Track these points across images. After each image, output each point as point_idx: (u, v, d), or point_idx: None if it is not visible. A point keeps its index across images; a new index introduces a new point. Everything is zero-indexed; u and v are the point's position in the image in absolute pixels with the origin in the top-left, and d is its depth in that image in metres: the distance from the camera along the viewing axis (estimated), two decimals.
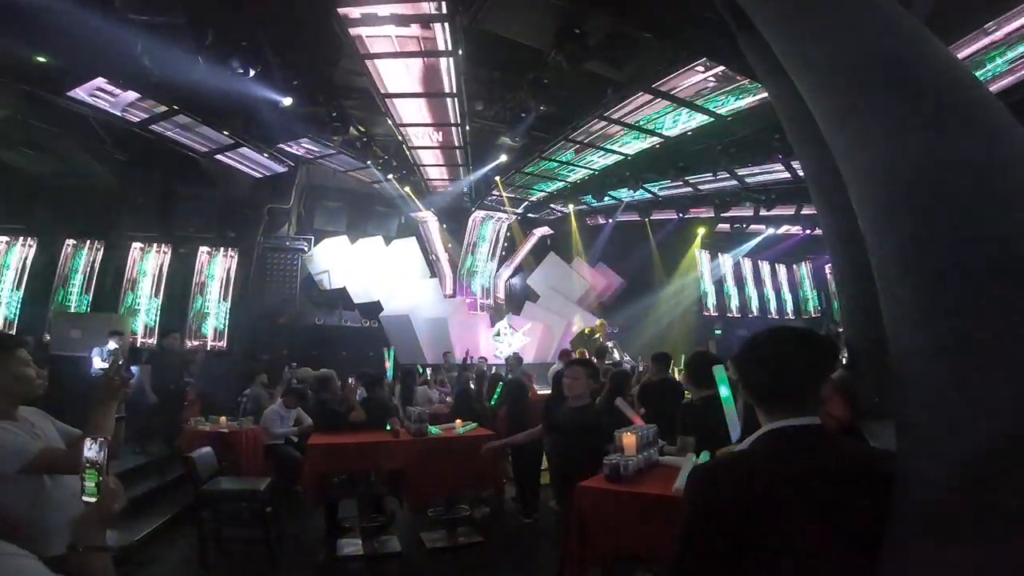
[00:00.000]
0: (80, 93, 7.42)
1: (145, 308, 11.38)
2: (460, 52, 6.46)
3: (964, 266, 1.11)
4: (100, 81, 7.16)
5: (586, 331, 12.15)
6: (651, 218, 14.76)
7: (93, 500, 1.48)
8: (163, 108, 7.98)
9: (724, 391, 2.97)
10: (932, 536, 1.07)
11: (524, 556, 4.79)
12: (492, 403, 6.87)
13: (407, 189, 12.06)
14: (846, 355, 2.80)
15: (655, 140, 8.86)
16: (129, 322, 10.83)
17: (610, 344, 12.06)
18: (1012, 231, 1.09)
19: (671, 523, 2.63)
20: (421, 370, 8.92)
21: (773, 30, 1.72)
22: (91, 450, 1.51)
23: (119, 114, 8.11)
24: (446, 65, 6.85)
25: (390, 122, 8.60)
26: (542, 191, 12.45)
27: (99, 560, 1.37)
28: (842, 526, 1.14)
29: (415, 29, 6.19)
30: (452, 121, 8.45)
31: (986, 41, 5.98)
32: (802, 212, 13.03)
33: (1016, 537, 0.98)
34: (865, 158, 1.35)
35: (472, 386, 7.15)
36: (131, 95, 7.58)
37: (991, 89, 5.39)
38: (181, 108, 8.01)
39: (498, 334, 11.85)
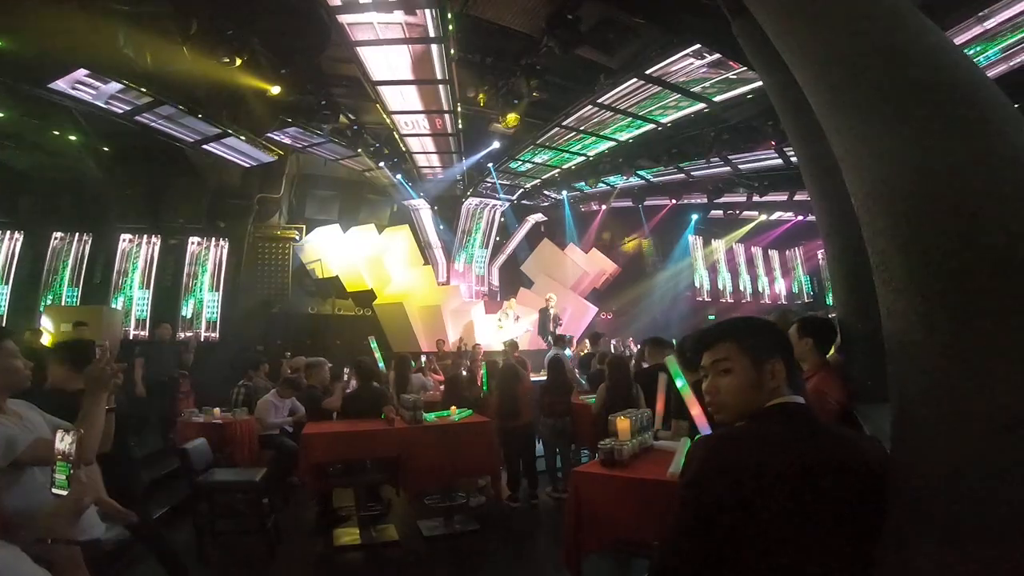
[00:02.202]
0: (61, 85, 7.27)
1: (136, 300, 11.28)
2: (450, 38, 6.39)
3: (957, 246, 1.11)
4: (82, 72, 7.02)
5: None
6: (644, 204, 14.76)
7: (63, 493, 1.47)
8: (148, 99, 7.84)
9: (680, 382, 3.01)
10: (932, 531, 1.08)
11: (521, 543, 4.83)
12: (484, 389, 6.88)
13: (399, 177, 11.98)
14: (840, 339, 2.82)
15: (648, 126, 8.83)
16: (120, 315, 10.74)
17: (613, 342, 12.04)
18: (1006, 214, 1.09)
19: (666, 507, 2.65)
20: (413, 363, 8.91)
21: (768, 15, 1.70)
22: (63, 442, 1.50)
23: (103, 105, 7.96)
24: (436, 52, 6.78)
25: (380, 110, 8.52)
26: (535, 177, 12.40)
27: (66, 552, 1.36)
28: (834, 507, 1.14)
29: (405, 15, 6.10)
30: (443, 108, 8.38)
31: (979, 29, 5.98)
32: (795, 198, 13.08)
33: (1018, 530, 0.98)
34: (859, 140, 1.35)
35: (464, 373, 7.16)
36: (114, 86, 7.43)
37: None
38: (166, 98, 7.88)
39: (500, 320, 11.83)
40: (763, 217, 16.51)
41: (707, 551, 1.13)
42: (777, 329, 1.40)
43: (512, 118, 8.12)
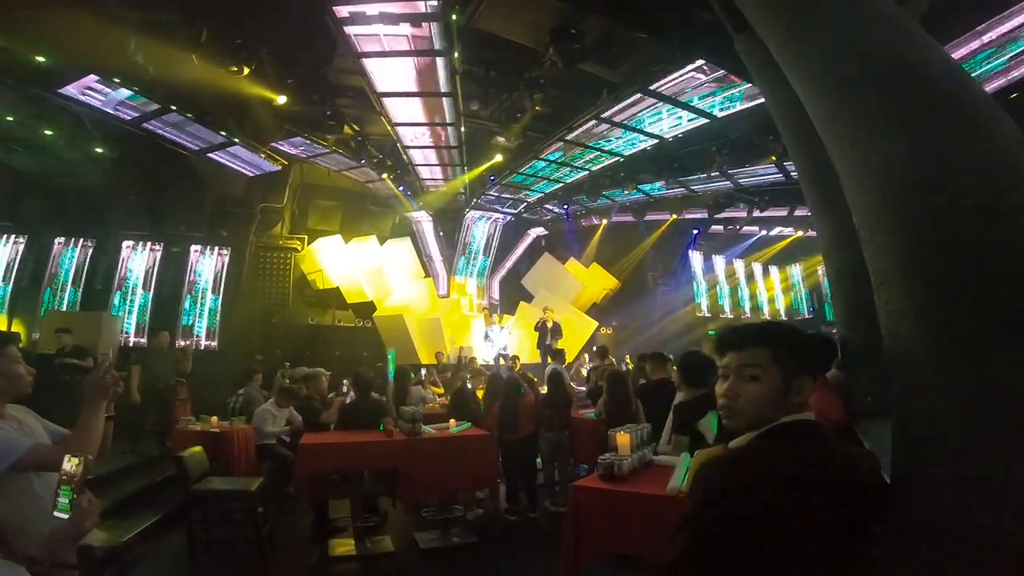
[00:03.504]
0: (72, 90, 7.35)
1: (136, 307, 11.27)
2: (455, 51, 6.45)
3: (957, 261, 1.11)
4: (92, 78, 7.09)
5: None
6: (645, 219, 14.80)
7: (65, 517, 1.46)
8: (155, 106, 7.91)
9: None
10: (935, 540, 1.07)
11: (519, 556, 4.78)
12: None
13: (401, 189, 12.04)
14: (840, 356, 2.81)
15: (649, 140, 8.89)
16: (119, 322, 10.73)
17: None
18: (1009, 232, 1.09)
19: (666, 522, 2.63)
20: (412, 376, 8.88)
21: (771, 32, 1.71)
22: (69, 464, 1.49)
23: (111, 112, 8.04)
24: (440, 64, 6.84)
25: (384, 121, 8.58)
26: (537, 191, 12.45)
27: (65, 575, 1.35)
28: (846, 524, 1.11)
29: (410, 28, 6.17)
30: (447, 121, 8.44)
31: (976, 44, 6.05)
32: (795, 213, 13.12)
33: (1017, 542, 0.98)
34: (860, 156, 1.35)
35: (469, 386, 7.13)
36: (123, 92, 7.51)
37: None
38: (174, 106, 7.94)
39: (486, 337, 11.88)
40: (763, 232, 16.55)
41: (721, 572, 1.08)
42: (812, 344, 1.33)
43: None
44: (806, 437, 1.21)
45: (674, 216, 14.70)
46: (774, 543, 1.06)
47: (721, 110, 7.69)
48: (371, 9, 5.84)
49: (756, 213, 13.12)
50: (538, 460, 6.08)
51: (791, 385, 1.23)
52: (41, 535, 1.56)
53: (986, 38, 5.94)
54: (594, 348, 10.15)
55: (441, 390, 8.66)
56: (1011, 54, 6.15)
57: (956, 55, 5.97)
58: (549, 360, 8.67)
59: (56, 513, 1.48)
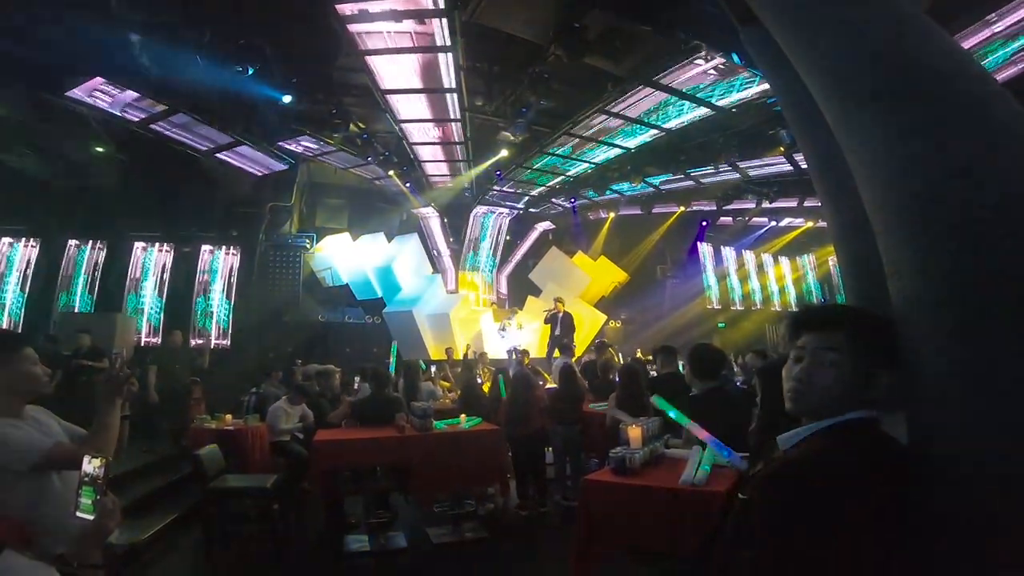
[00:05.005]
0: (79, 93, 7.41)
1: (148, 307, 11.39)
2: (459, 47, 6.44)
3: (975, 252, 1.10)
4: (99, 81, 7.15)
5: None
6: (653, 211, 14.72)
7: (89, 518, 1.47)
8: (162, 107, 7.97)
9: (672, 413, 3.10)
10: (944, 539, 1.07)
11: (530, 551, 4.80)
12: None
13: (408, 185, 12.05)
14: None
15: (656, 133, 8.84)
16: (134, 322, 10.85)
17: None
18: (1019, 221, 1.08)
19: (678, 516, 2.64)
20: (424, 366, 8.91)
21: (779, 25, 1.70)
22: (90, 465, 1.50)
23: (118, 114, 8.11)
24: (445, 60, 6.83)
25: (390, 118, 8.58)
26: (543, 185, 12.42)
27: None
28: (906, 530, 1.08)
29: (414, 24, 6.17)
30: (452, 116, 8.43)
31: (987, 32, 5.95)
32: (805, 204, 13.00)
33: None
34: (872, 151, 1.34)
35: (479, 380, 7.15)
36: (130, 94, 7.57)
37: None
38: (180, 107, 7.99)
39: (503, 329, 11.86)
40: (773, 223, 16.42)
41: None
42: (895, 335, 1.21)
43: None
44: (870, 438, 1.15)
45: (682, 208, 14.60)
46: (838, 548, 1.01)
47: (727, 101, 7.62)
48: (375, 6, 5.84)
49: (765, 204, 13.01)
50: (548, 453, 6.09)
51: (868, 378, 1.15)
52: (63, 534, 1.58)
53: (998, 27, 5.84)
54: (596, 342, 10.16)
55: (449, 384, 8.70)
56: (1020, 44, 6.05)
57: (966, 45, 5.88)
58: (556, 354, 8.66)
59: (79, 514, 1.49)
